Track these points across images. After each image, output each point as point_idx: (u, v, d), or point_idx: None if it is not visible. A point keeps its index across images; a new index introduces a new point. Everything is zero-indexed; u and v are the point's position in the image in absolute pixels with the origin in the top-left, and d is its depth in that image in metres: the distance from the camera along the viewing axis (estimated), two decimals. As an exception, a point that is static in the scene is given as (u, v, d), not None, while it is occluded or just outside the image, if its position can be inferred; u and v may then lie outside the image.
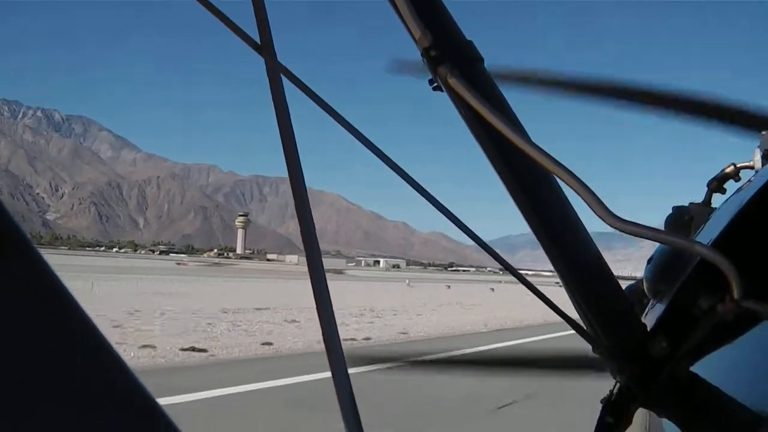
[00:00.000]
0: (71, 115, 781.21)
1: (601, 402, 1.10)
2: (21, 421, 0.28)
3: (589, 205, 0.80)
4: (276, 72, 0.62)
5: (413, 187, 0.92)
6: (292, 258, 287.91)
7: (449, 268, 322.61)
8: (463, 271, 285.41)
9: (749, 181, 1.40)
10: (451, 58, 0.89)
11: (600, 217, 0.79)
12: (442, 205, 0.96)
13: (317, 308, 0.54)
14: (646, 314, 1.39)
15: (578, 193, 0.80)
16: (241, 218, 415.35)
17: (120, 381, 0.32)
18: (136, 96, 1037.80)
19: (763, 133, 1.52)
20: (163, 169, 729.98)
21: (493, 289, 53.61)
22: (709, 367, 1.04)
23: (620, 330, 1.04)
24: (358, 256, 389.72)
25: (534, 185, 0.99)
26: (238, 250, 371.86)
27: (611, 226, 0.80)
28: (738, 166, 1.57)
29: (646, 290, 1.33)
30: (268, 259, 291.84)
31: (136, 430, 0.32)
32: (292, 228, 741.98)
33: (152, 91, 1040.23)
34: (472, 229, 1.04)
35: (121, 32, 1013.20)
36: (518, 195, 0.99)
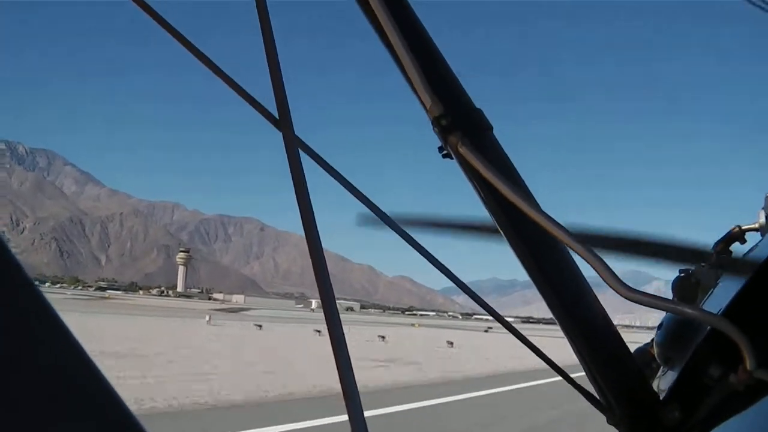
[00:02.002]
0: (35, 148, 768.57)
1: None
2: None
3: (599, 274, 0.79)
4: (293, 145, 0.64)
5: (416, 249, 0.93)
6: (239, 298, 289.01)
7: (406, 312, 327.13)
8: (421, 315, 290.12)
9: (756, 245, 1.41)
10: (461, 126, 0.90)
11: (611, 287, 0.79)
12: (448, 269, 0.97)
13: (334, 353, 0.55)
14: (658, 380, 1.38)
15: (589, 263, 0.80)
16: (181, 254, 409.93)
17: (95, 390, 0.32)
18: (104, 132, 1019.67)
19: None
20: (126, 206, 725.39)
21: (319, 331, 41.90)
22: None
23: (633, 398, 1.03)
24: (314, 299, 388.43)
25: (543, 252, 0.98)
26: (179, 288, 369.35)
27: (623, 296, 0.79)
28: (743, 228, 1.53)
29: (656, 356, 1.31)
30: (209, 298, 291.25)
31: None
32: (256, 269, 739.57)
33: (120, 129, 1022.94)
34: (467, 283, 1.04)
35: (93, 70, 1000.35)
36: (528, 261, 0.99)
